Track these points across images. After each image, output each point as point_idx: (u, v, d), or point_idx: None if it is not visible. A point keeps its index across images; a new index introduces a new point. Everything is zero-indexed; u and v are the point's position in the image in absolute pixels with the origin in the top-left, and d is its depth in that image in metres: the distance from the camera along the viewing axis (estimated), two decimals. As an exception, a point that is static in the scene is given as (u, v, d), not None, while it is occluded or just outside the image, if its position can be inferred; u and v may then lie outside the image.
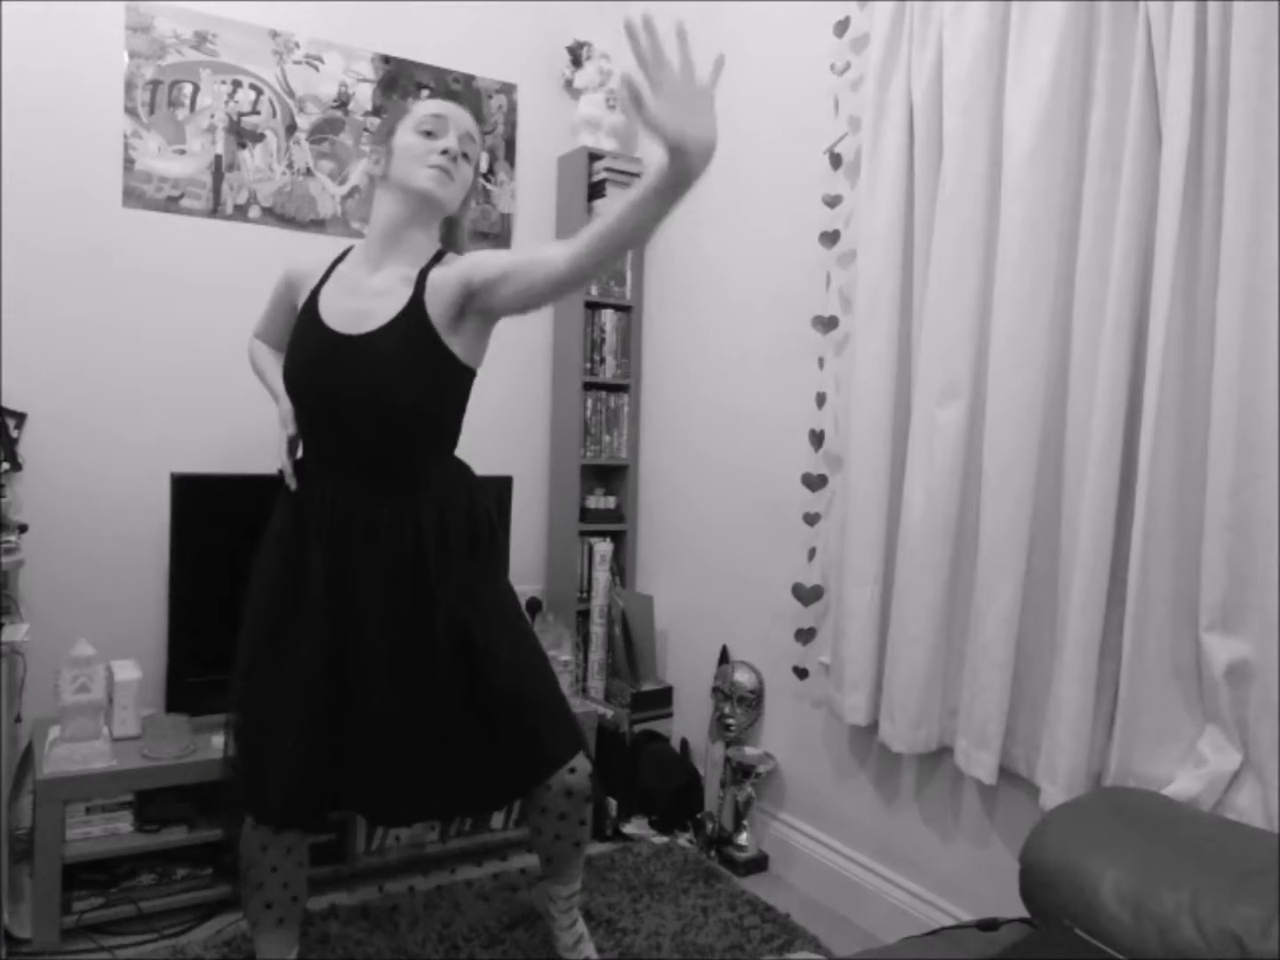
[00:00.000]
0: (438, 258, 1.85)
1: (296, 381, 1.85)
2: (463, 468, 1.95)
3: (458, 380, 1.85)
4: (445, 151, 1.80)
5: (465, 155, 1.85)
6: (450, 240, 1.95)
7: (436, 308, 1.77)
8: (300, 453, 1.93)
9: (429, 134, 1.81)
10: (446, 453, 1.93)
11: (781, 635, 2.68)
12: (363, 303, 1.81)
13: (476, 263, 1.78)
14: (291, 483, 1.87)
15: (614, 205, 1.57)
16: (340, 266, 1.92)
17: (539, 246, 1.76)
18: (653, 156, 3.21)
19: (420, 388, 1.79)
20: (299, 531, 1.84)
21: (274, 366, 2.05)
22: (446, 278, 1.79)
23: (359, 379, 1.76)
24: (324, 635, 1.78)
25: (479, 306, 1.78)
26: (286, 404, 1.91)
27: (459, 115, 1.86)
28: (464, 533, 1.87)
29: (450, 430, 1.91)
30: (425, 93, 1.90)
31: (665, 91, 1.34)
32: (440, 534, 1.83)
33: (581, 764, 1.95)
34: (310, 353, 1.83)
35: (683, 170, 1.40)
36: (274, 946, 1.91)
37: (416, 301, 1.78)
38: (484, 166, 3.17)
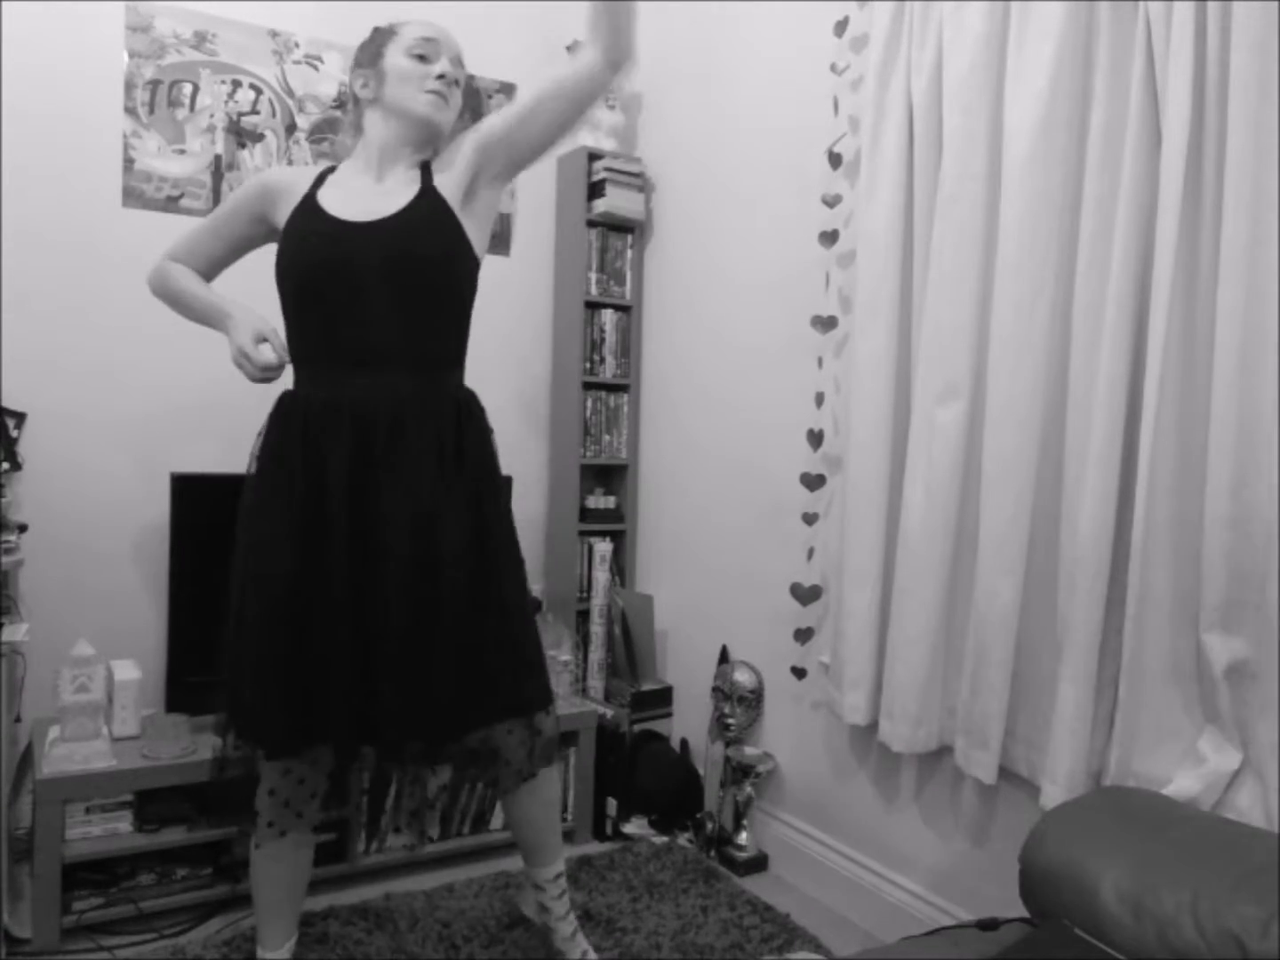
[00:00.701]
0: (426, 166, 1.89)
1: (310, 266, 1.76)
2: (470, 390, 1.90)
3: (473, 265, 1.87)
4: (441, 76, 1.82)
5: (455, 81, 1.87)
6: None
7: (448, 189, 1.83)
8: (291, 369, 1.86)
9: (421, 57, 1.82)
10: (460, 357, 1.89)
11: (781, 635, 2.68)
12: (371, 202, 1.80)
13: (479, 129, 1.87)
14: (284, 356, 1.78)
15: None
16: (332, 178, 1.88)
17: (544, 84, 1.82)
18: (656, 155, 3.21)
19: (449, 246, 1.81)
20: (305, 442, 1.75)
21: (203, 287, 1.92)
22: (451, 160, 1.86)
23: (389, 245, 1.75)
24: (346, 551, 1.71)
25: (502, 165, 1.86)
26: (254, 317, 1.80)
27: (448, 39, 1.88)
28: (478, 442, 1.84)
29: (465, 325, 1.89)
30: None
31: None
32: (458, 438, 1.80)
33: (550, 722, 1.93)
34: (326, 237, 1.76)
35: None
36: (274, 939, 1.92)
37: (428, 186, 1.83)
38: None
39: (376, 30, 1.90)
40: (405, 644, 1.73)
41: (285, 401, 1.82)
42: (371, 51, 1.87)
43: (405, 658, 1.73)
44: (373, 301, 1.74)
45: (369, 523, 1.73)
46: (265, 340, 1.78)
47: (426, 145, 1.88)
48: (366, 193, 1.82)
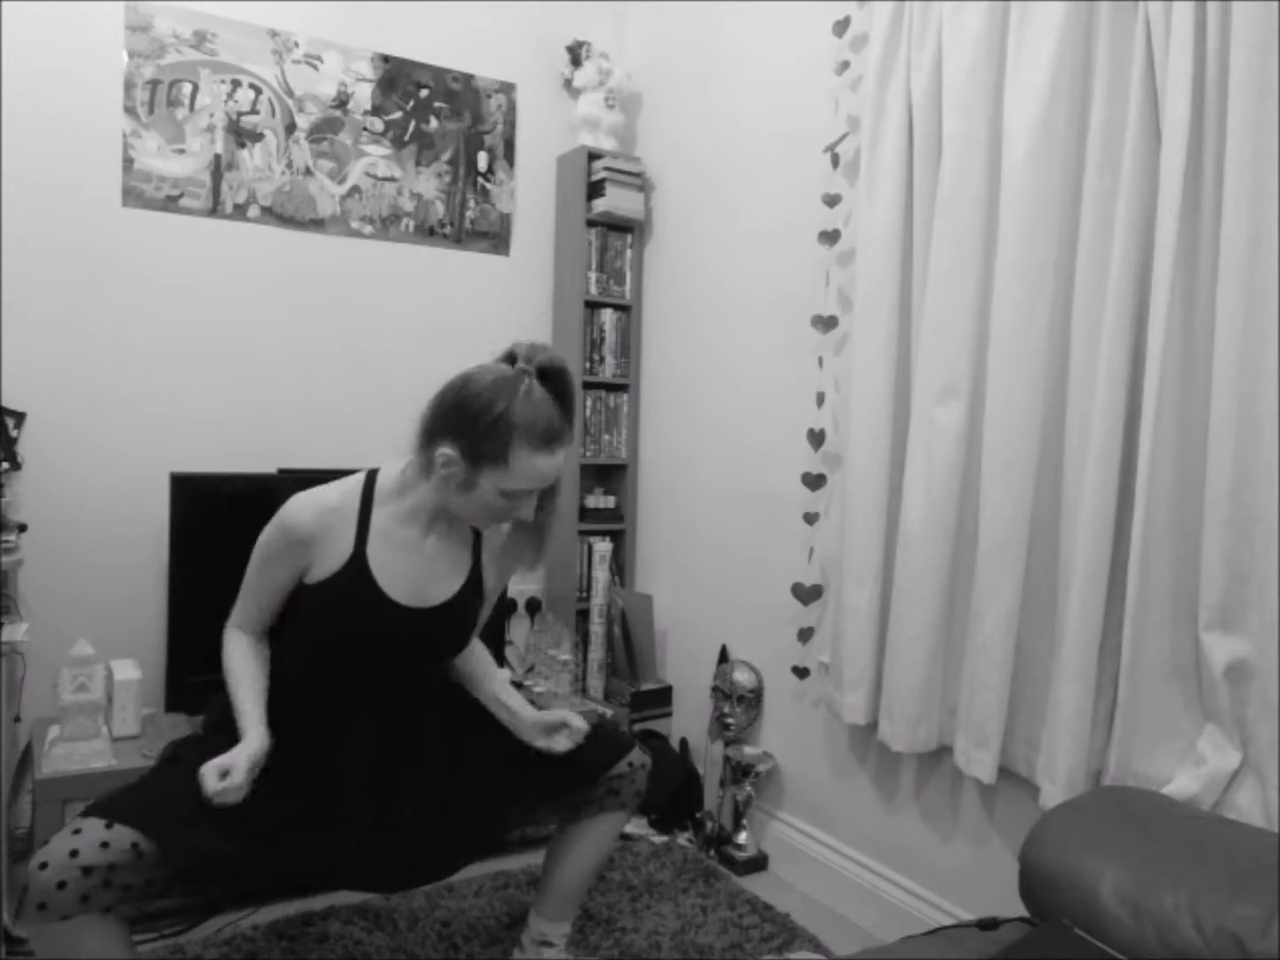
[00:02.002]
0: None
1: (354, 653, 1.72)
2: None
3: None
4: (518, 518, 1.73)
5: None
6: (516, 552, 1.90)
7: (488, 574, 1.86)
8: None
9: (513, 494, 1.65)
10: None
11: (781, 634, 2.68)
12: (421, 569, 1.73)
13: (500, 578, 1.92)
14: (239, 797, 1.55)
15: (486, 679, 1.94)
16: (378, 518, 1.71)
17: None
18: (655, 155, 3.21)
19: (473, 627, 1.88)
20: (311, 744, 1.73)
21: (254, 683, 1.72)
22: (489, 565, 1.86)
23: (430, 650, 1.80)
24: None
25: None
26: (258, 744, 1.62)
27: (554, 473, 1.68)
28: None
29: None
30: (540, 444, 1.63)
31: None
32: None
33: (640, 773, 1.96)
34: (375, 627, 1.70)
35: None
36: None
37: (475, 571, 1.82)
38: (483, 165, 3.17)
39: (498, 424, 1.58)
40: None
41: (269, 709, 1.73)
42: (475, 442, 1.59)
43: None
44: (400, 675, 1.79)
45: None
46: (243, 773, 1.56)
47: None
48: (415, 554, 1.72)
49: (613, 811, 1.92)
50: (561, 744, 1.81)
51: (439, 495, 1.68)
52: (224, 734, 1.69)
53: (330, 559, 1.68)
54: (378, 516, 1.70)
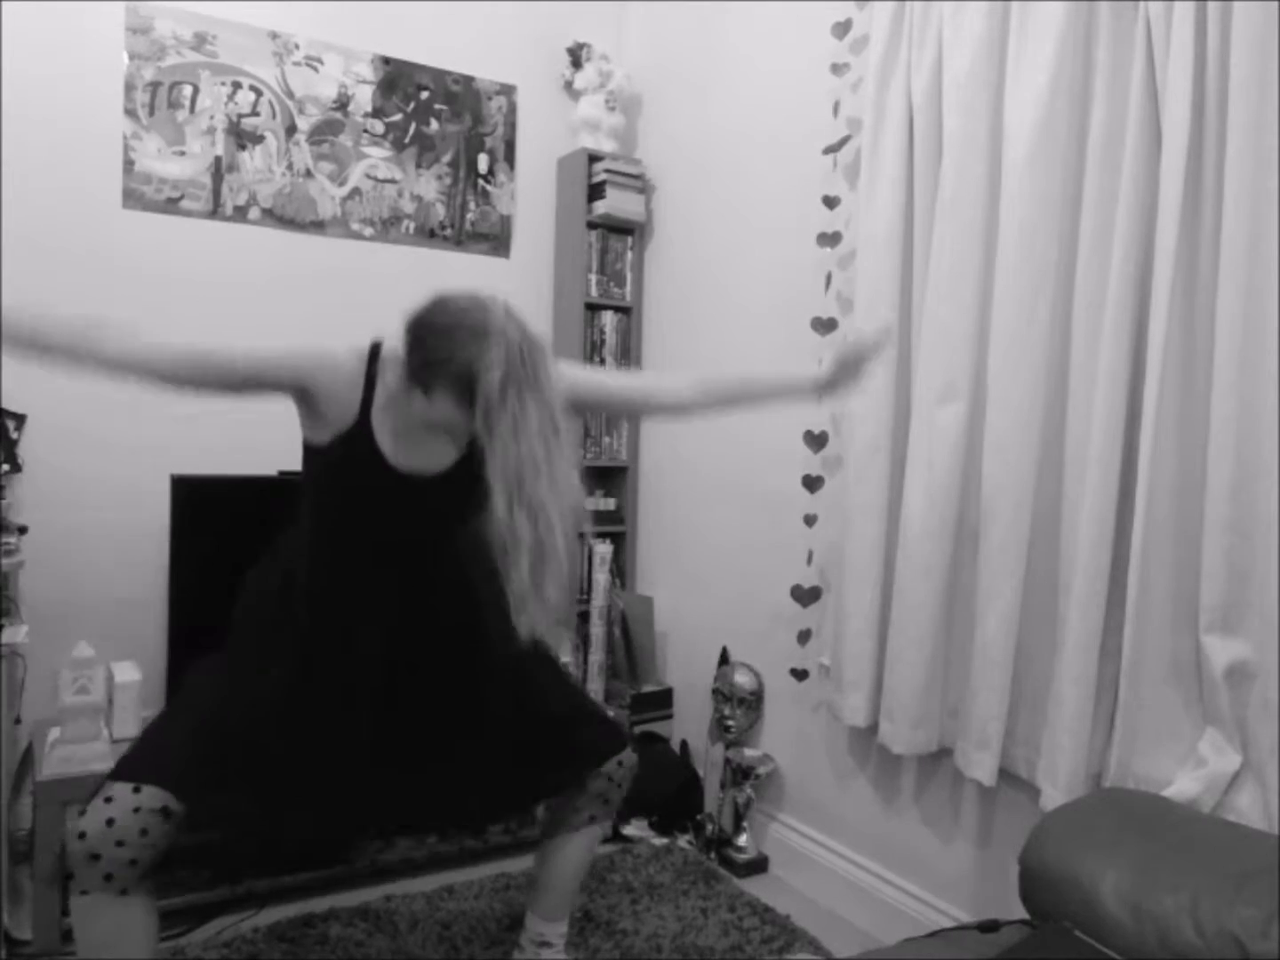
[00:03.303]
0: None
1: (365, 515, 1.72)
2: None
3: None
4: None
5: None
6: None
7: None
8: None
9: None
10: None
11: (781, 637, 2.68)
12: (419, 438, 1.68)
13: (575, 385, 1.74)
14: None
15: (756, 374, 1.99)
16: (380, 387, 1.68)
17: (650, 379, 2.02)
18: (656, 157, 3.22)
19: (468, 515, 1.80)
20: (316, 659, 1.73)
21: (90, 335, 1.58)
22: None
23: (428, 524, 1.77)
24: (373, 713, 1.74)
25: (574, 407, 1.76)
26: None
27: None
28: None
29: None
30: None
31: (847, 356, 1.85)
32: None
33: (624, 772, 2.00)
34: (383, 493, 1.69)
35: (828, 395, 1.93)
36: None
37: (473, 449, 1.71)
38: (483, 167, 3.17)
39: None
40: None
41: (289, 587, 1.75)
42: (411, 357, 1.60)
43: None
44: (413, 539, 1.77)
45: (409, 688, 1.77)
46: None
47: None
48: (412, 422, 1.67)
49: (602, 821, 1.99)
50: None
51: (417, 401, 1.70)
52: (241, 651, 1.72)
53: (337, 420, 1.65)
54: (380, 386, 1.68)
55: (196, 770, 1.60)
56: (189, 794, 1.57)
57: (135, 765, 1.58)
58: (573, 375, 1.78)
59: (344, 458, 1.67)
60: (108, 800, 1.53)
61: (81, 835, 1.51)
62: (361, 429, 1.65)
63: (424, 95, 3.04)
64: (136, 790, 1.53)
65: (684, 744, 3.04)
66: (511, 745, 1.84)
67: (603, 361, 3.21)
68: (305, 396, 1.64)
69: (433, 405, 1.55)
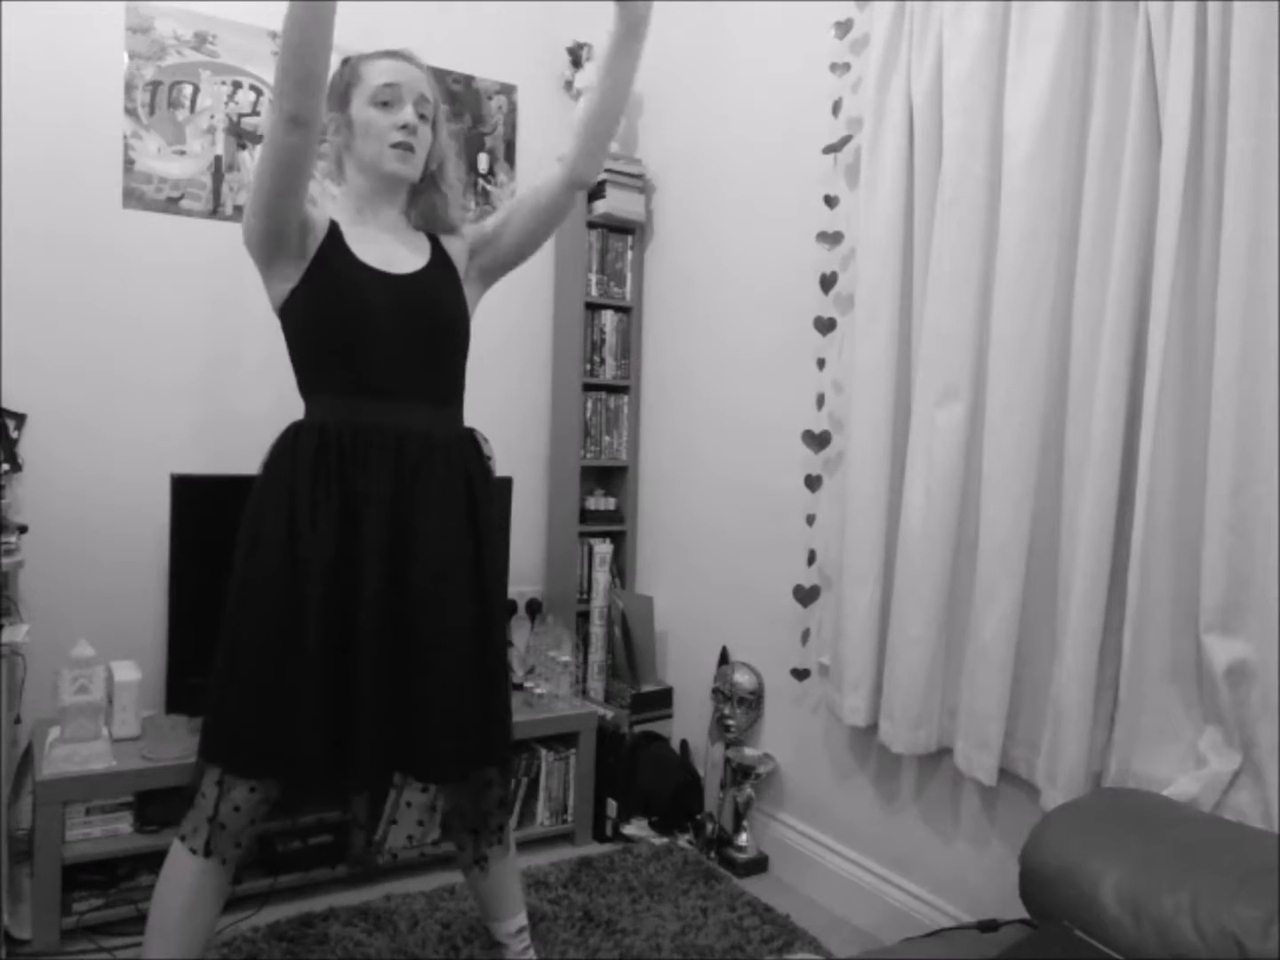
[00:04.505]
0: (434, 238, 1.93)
1: (346, 310, 1.75)
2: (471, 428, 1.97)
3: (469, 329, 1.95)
4: (404, 126, 1.78)
5: (422, 117, 1.83)
6: (434, 217, 1.92)
7: (457, 261, 1.91)
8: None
9: (385, 104, 1.78)
10: (463, 401, 1.95)
11: (781, 636, 2.68)
12: (386, 248, 1.81)
13: (478, 226, 1.96)
14: None
15: (588, 93, 1.86)
16: (339, 223, 1.82)
17: (515, 197, 1.95)
18: (656, 157, 3.22)
19: (463, 305, 1.90)
20: (335, 463, 1.72)
21: None
22: (456, 244, 1.93)
23: (420, 295, 1.80)
24: (379, 575, 1.70)
25: (482, 265, 1.95)
26: None
27: (411, 77, 1.81)
28: (486, 480, 1.89)
29: (464, 379, 1.95)
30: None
31: None
32: (479, 473, 1.87)
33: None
34: (364, 285, 1.76)
35: (634, 19, 1.83)
36: None
37: (440, 253, 1.89)
38: (484, 167, 3.17)
39: (343, 67, 1.83)
40: (440, 669, 1.74)
41: (301, 429, 1.78)
42: (339, 95, 1.81)
43: (442, 681, 1.74)
44: (401, 343, 1.78)
45: (402, 546, 1.74)
46: None
47: (399, 196, 1.88)
48: (382, 241, 1.82)
49: (503, 856, 1.96)
50: None
51: (353, 177, 1.84)
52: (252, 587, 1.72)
53: (314, 243, 1.77)
54: (339, 222, 1.81)
55: (268, 744, 1.67)
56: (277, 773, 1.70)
57: (226, 757, 1.71)
58: (476, 224, 1.99)
59: (327, 267, 1.76)
60: (203, 797, 1.70)
61: (212, 818, 1.69)
62: (334, 238, 1.78)
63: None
64: (219, 783, 1.69)
65: (684, 743, 3.04)
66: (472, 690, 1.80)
67: (602, 361, 3.21)
68: (301, 229, 1.75)
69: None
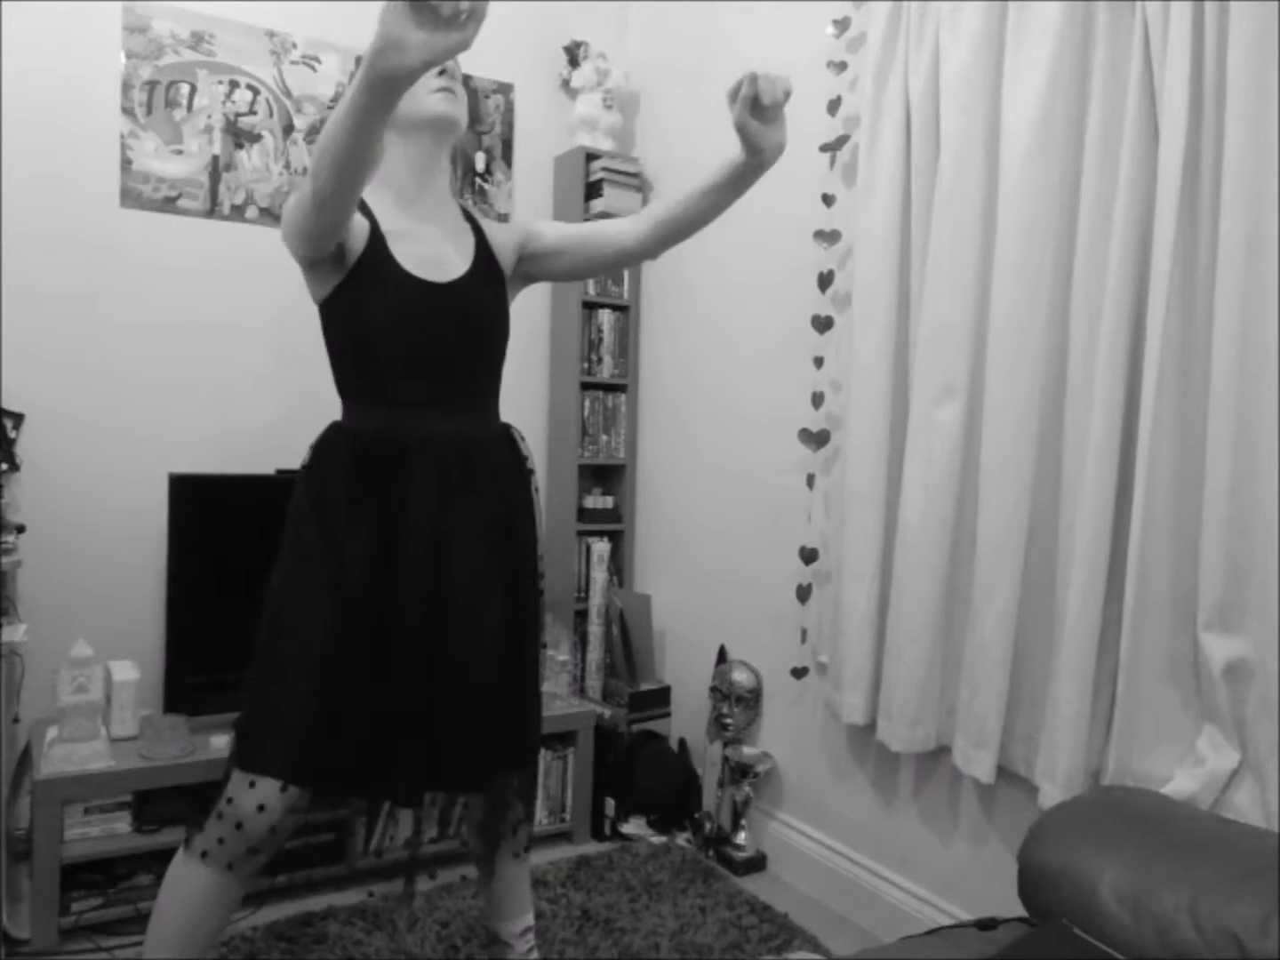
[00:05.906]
0: (470, 217, 1.85)
1: (389, 326, 1.70)
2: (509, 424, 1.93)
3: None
4: (442, 72, 1.71)
5: (455, 76, 1.76)
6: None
7: (502, 256, 1.84)
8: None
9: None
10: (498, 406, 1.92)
11: (779, 635, 2.68)
12: (429, 248, 1.73)
13: (534, 233, 1.87)
14: None
15: (684, 189, 1.75)
16: (380, 218, 1.73)
17: (601, 223, 1.88)
18: (653, 155, 3.21)
19: (505, 311, 1.84)
20: (367, 478, 1.69)
21: None
22: (504, 239, 1.84)
23: (465, 306, 1.74)
24: (421, 599, 1.67)
25: (527, 271, 1.88)
26: None
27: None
28: (525, 486, 1.87)
29: (500, 383, 1.91)
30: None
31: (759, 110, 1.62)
32: (516, 478, 1.84)
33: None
34: (409, 300, 1.70)
35: (757, 166, 1.67)
36: None
37: (483, 245, 1.80)
38: (481, 166, 3.17)
39: (358, 66, 1.78)
40: (474, 682, 1.71)
41: (339, 432, 1.75)
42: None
43: (474, 695, 1.71)
44: (441, 354, 1.74)
45: (442, 559, 1.71)
46: None
47: (447, 150, 1.80)
48: (420, 236, 1.73)
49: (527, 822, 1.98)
50: (766, 88, 1.61)
51: (392, 151, 1.73)
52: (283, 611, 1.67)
53: (358, 244, 1.69)
54: (378, 217, 1.72)
55: (304, 746, 1.63)
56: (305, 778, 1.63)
57: (258, 758, 1.63)
58: (531, 225, 1.89)
59: (368, 275, 1.69)
60: (230, 801, 1.62)
61: (239, 825, 1.61)
62: (376, 241, 1.69)
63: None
64: (252, 786, 1.60)
65: (682, 742, 3.04)
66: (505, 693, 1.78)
67: (600, 360, 3.21)
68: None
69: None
